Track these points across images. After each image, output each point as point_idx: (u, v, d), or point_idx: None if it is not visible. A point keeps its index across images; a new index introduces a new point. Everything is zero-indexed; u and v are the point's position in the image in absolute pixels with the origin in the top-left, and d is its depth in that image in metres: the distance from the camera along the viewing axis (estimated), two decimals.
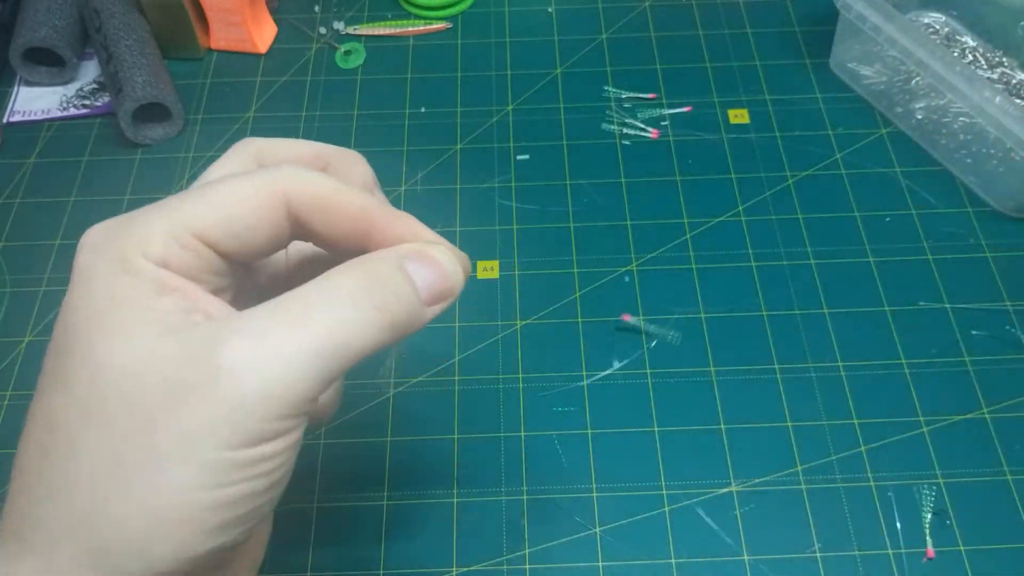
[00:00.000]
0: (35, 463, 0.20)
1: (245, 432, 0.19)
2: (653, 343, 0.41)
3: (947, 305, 0.42)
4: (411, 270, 0.22)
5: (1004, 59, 0.51)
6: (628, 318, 0.40)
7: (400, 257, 0.22)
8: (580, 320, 0.42)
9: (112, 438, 0.19)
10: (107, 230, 0.21)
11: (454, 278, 0.23)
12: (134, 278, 0.20)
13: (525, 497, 0.37)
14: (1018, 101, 0.46)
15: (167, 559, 0.19)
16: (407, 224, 0.24)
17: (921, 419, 0.39)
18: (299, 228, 0.23)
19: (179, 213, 0.21)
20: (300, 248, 0.27)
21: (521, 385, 0.40)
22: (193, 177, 0.48)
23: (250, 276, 0.26)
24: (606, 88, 0.51)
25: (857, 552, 0.35)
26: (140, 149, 0.49)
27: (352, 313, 0.20)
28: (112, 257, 0.20)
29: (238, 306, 0.22)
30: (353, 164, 0.26)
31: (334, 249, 0.24)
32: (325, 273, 0.21)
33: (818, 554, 0.35)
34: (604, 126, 0.49)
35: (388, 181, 0.47)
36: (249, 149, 0.25)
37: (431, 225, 0.48)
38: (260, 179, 0.22)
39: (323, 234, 0.23)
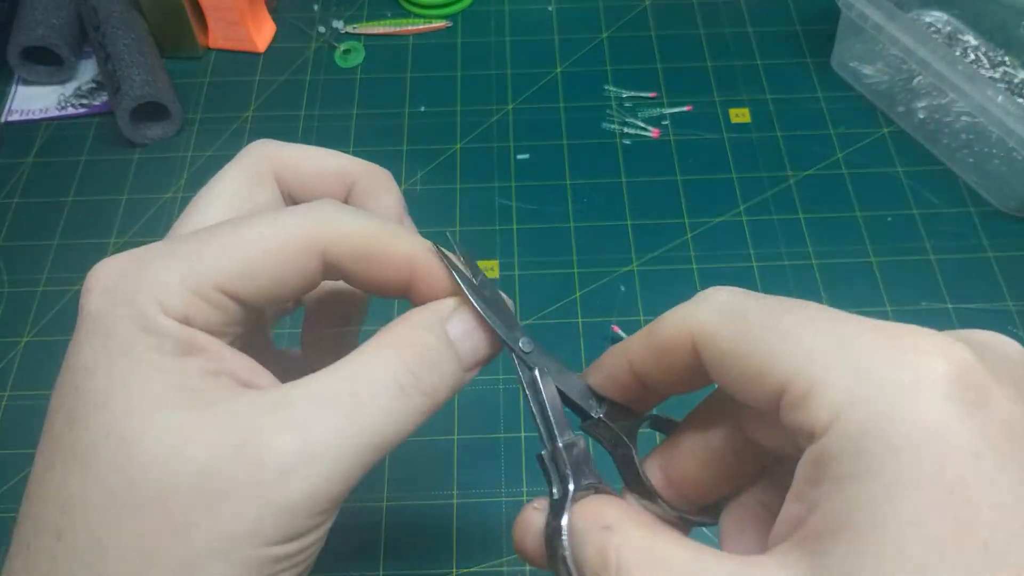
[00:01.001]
0: (46, 544, 0.17)
1: (288, 531, 0.17)
2: None
3: (949, 305, 0.42)
4: (454, 335, 0.20)
5: (1006, 58, 0.50)
6: (618, 330, 0.40)
7: (443, 322, 0.20)
8: (580, 320, 0.42)
9: (142, 534, 0.17)
10: (121, 275, 0.19)
11: (491, 343, 0.22)
12: (156, 338, 0.18)
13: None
14: (1020, 100, 0.46)
15: None
16: (441, 280, 0.21)
17: None
18: (333, 272, 0.21)
19: (202, 264, 0.19)
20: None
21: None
22: (193, 177, 0.48)
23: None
24: (606, 87, 0.51)
25: None
26: (138, 148, 0.49)
27: (400, 402, 0.19)
28: (129, 310, 0.18)
29: (249, 345, 0.21)
30: (383, 186, 0.24)
31: (368, 291, 0.22)
32: (368, 344, 0.19)
33: None
34: (604, 125, 0.49)
35: None
36: (263, 160, 0.23)
37: (430, 225, 0.48)
38: (294, 225, 0.20)
39: (361, 282, 0.21)
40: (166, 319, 0.18)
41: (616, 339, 0.41)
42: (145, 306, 0.18)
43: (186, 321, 0.19)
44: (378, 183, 0.24)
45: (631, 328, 0.41)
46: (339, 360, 0.19)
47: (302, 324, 0.25)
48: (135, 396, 0.17)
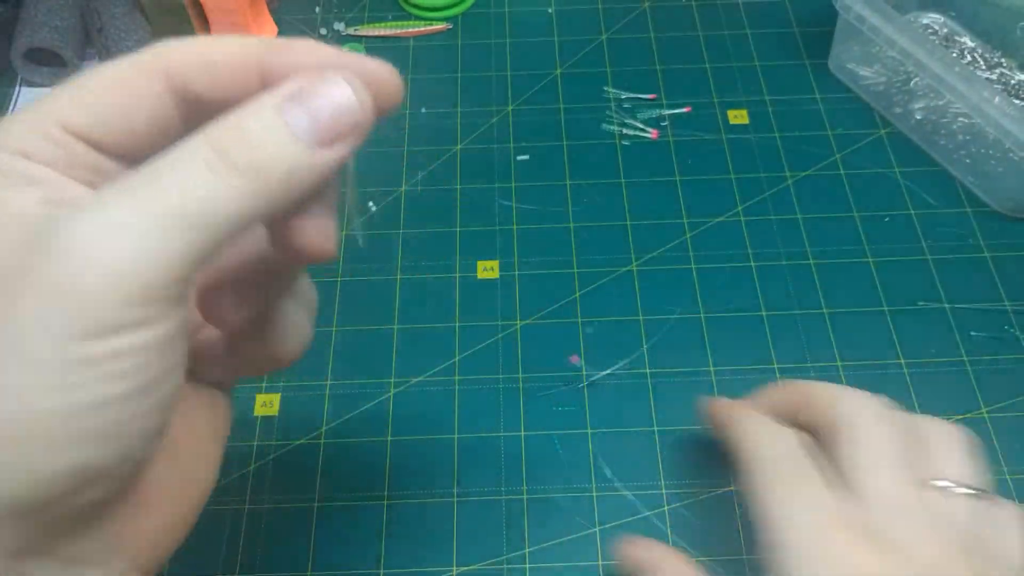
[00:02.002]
0: None
1: (89, 321, 0.15)
2: (601, 375, 0.41)
3: (946, 305, 0.42)
4: (290, 112, 0.18)
5: (1003, 59, 0.51)
6: (576, 360, 0.40)
7: (277, 98, 0.18)
8: (580, 320, 0.42)
9: None
10: None
11: (353, 106, 0.19)
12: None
13: (525, 497, 0.37)
14: (1017, 101, 0.46)
15: (16, 487, 0.16)
16: (308, 50, 0.20)
17: None
18: (189, 104, 0.20)
19: (43, 107, 0.18)
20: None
21: (521, 385, 0.40)
22: None
23: None
24: (606, 88, 0.51)
25: None
26: None
27: (207, 175, 0.17)
28: None
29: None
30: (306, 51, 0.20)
31: (231, 100, 0.20)
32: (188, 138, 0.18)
33: None
34: (604, 126, 0.50)
35: (388, 181, 0.48)
36: (151, 58, 0.20)
37: (431, 225, 0.48)
38: (134, 55, 0.19)
39: (213, 97, 0.20)
40: (3, 155, 0.18)
41: (575, 369, 0.41)
42: None
43: (25, 154, 0.18)
44: (291, 47, 0.20)
45: (633, 334, 0.42)
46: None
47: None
48: None
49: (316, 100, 0.18)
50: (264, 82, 0.19)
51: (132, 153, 0.20)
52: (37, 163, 0.18)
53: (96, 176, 0.19)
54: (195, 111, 0.20)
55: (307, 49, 0.20)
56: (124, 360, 0.16)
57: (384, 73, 0.20)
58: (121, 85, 0.19)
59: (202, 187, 0.17)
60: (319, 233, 0.22)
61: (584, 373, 0.40)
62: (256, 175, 0.17)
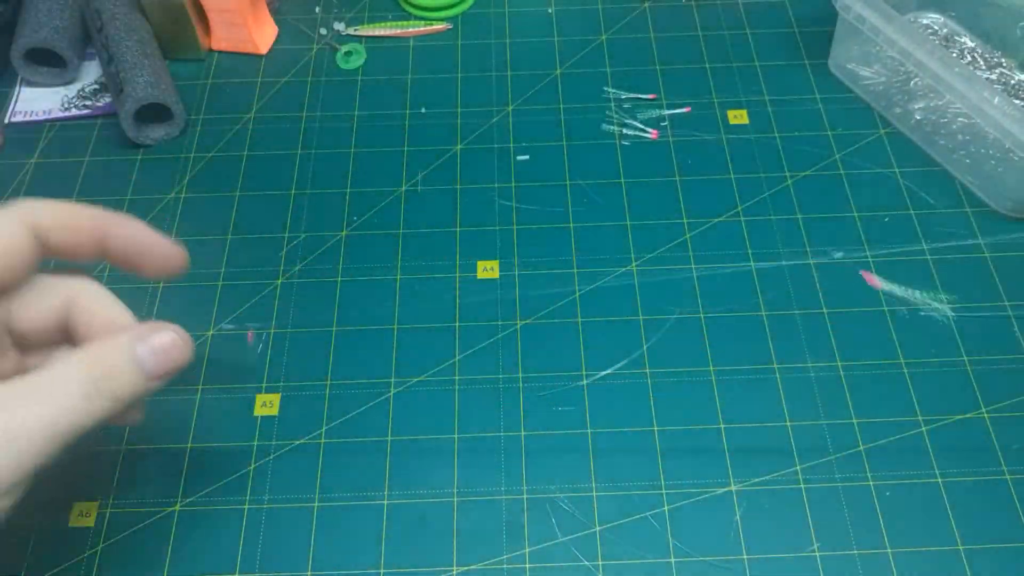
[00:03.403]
0: None
1: None
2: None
3: (946, 305, 0.42)
4: (140, 354, 0.26)
5: (1003, 59, 0.51)
6: (250, 336, 0.40)
7: (131, 343, 0.26)
8: (580, 320, 0.42)
9: None
10: None
11: (180, 358, 0.27)
12: None
13: (525, 497, 0.37)
14: (1017, 101, 0.46)
15: None
16: (133, 227, 0.29)
17: (920, 419, 0.39)
18: (44, 248, 0.27)
19: None
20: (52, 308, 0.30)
21: (521, 385, 0.40)
22: (195, 177, 0.48)
23: (7, 334, 0.29)
24: (606, 89, 0.51)
25: (856, 551, 0.35)
26: (141, 149, 0.49)
27: (82, 402, 0.24)
28: None
29: None
30: (132, 228, 0.29)
31: (78, 258, 0.28)
32: (63, 357, 0.25)
33: (817, 553, 0.35)
34: (604, 127, 0.50)
35: (388, 181, 0.48)
36: (21, 209, 0.27)
37: (431, 225, 0.48)
38: (5, 210, 0.26)
39: (66, 247, 0.27)
40: None
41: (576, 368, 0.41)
42: None
43: None
44: (127, 223, 0.29)
45: (633, 333, 0.42)
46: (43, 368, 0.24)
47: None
48: None
49: (163, 350, 0.26)
50: (100, 244, 0.28)
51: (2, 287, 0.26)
52: None
53: None
54: (44, 253, 0.27)
55: (138, 226, 0.29)
56: None
57: (165, 247, 0.29)
58: (3, 236, 0.26)
59: (75, 409, 0.24)
60: (129, 418, 0.30)
61: (584, 373, 0.40)
62: (115, 401, 0.25)
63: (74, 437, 0.24)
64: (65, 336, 0.30)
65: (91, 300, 0.28)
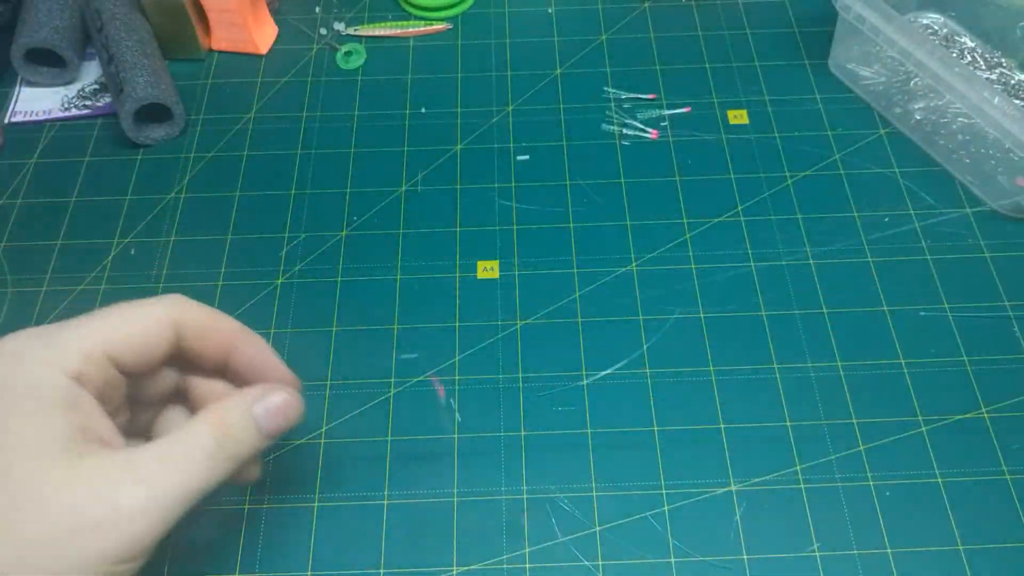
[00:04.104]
0: None
1: (129, 554, 0.24)
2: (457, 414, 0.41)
3: (946, 305, 0.42)
4: (257, 415, 0.28)
5: (1003, 59, 0.51)
6: (441, 391, 0.40)
7: (249, 405, 0.28)
8: (580, 320, 0.42)
9: (26, 550, 0.23)
10: (27, 341, 0.26)
11: (293, 417, 0.29)
12: (51, 393, 0.25)
13: (525, 497, 0.37)
14: (1016, 101, 0.46)
15: None
16: (256, 343, 0.31)
17: (920, 419, 0.39)
18: (178, 348, 0.29)
19: (94, 333, 0.26)
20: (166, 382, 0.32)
21: (521, 385, 0.40)
22: (195, 178, 0.48)
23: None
24: (606, 89, 0.51)
25: (856, 551, 0.35)
26: (141, 149, 0.49)
27: (208, 465, 0.26)
28: (32, 372, 0.25)
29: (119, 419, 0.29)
30: (259, 345, 0.31)
31: (201, 364, 0.30)
32: (190, 423, 0.27)
33: (817, 553, 0.35)
34: (604, 127, 0.50)
35: (388, 182, 0.48)
36: (172, 307, 0.29)
37: (431, 225, 0.48)
38: (159, 304, 0.28)
39: (196, 350, 0.29)
40: (63, 378, 0.25)
41: (441, 405, 0.40)
42: (47, 368, 0.25)
43: (79, 379, 0.25)
44: (256, 345, 0.31)
45: (633, 334, 0.42)
46: (170, 433, 0.27)
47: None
48: (29, 444, 0.24)
49: (276, 409, 0.29)
50: (226, 355, 0.30)
51: (136, 372, 0.28)
52: (85, 390, 0.26)
53: (112, 392, 0.27)
54: (178, 352, 0.29)
55: (263, 346, 0.31)
56: (136, 567, 0.25)
57: (299, 385, 0.32)
58: (152, 328, 0.28)
59: (204, 473, 0.26)
60: (248, 475, 0.32)
61: (584, 373, 0.40)
62: (236, 460, 0.27)
63: (200, 499, 0.26)
64: (175, 392, 0.32)
65: (196, 320, 0.29)
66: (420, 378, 0.40)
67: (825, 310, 0.42)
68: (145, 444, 0.26)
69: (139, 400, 0.31)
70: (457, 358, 0.41)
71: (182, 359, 0.30)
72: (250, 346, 0.31)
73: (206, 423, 0.27)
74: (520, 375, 0.40)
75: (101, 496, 0.24)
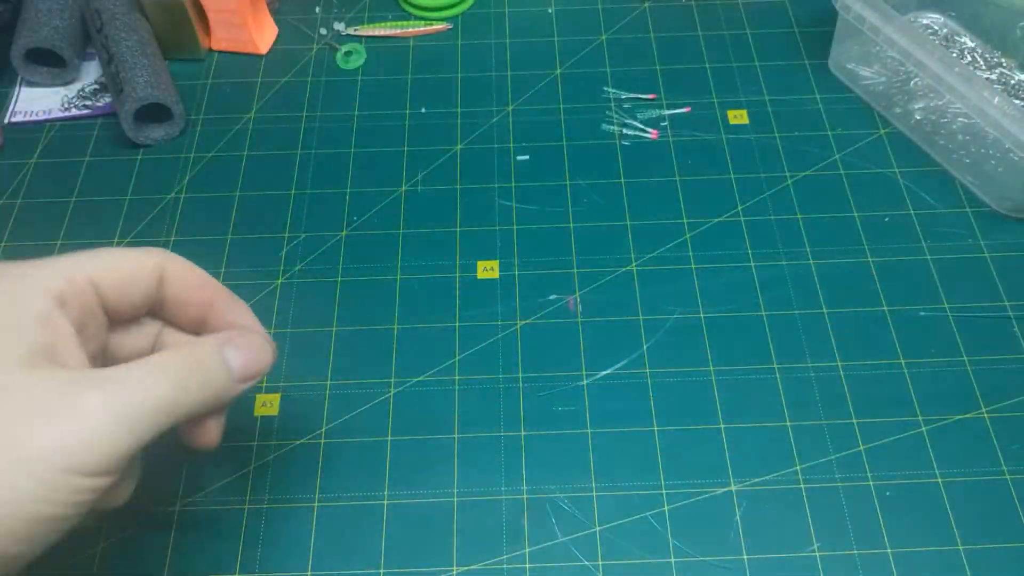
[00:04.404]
0: None
1: (87, 467, 0.23)
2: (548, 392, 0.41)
3: (946, 305, 0.42)
4: (227, 355, 0.28)
5: (1003, 59, 0.51)
6: (572, 304, 0.40)
7: (219, 343, 0.28)
8: (580, 320, 0.42)
9: None
10: (13, 262, 0.25)
11: (263, 361, 0.29)
12: (26, 307, 0.24)
13: (525, 497, 0.37)
14: (1017, 101, 0.46)
15: None
16: (237, 305, 0.31)
17: (920, 418, 0.39)
18: (160, 295, 0.29)
19: (80, 262, 0.26)
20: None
21: (521, 385, 0.40)
22: (195, 177, 0.48)
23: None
24: (606, 89, 0.51)
25: (856, 551, 0.35)
26: (141, 149, 0.49)
27: (176, 384, 0.25)
28: (12, 286, 0.24)
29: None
30: (239, 307, 0.31)
31: (180, 319, 0.30)
32: (168, 351, 0.27)
33: (817, 553, 0.35)
34: (604, 126, 0.50)
35: (388, 182, 0.48)
36: (158, 256, 0.29)
37: (431, 225, 0.48)
38: (145, 250, 0.28)
39: (179, 299, 0.29)
40: (41, 295, 0.25)
41: (572, 316, 0.41)
42: (27, 282, 0.25)
43: (60, 298, 0.25)
44: (237, 305, 0.31)
45: (633, 333, 0.42)
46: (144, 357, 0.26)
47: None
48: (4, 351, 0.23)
49: (246, 350, 0.29)
50: (205, 312, 0.30)
51: (118, 313, 0.28)
52: (63, 312, 0.25)
53: (92, 329, 0.27)
54: (159, 301, 0.29)
55: (243, 308, 0.31)
56: (98, 492, 0.23)
57: (273, 345, 0.31)
58: (137, 263, 0.28)
59: (173, 395, 0.25)
60: (208, 434, 0.30)
61: (584, 373, 0.40)
62: (206, 393, 0.27)
63: (169, 425, 0.25)
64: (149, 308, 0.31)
65: (179, 271, 0.29)
66: (420, 378, 0.41)
67: (825, 310, 0.42)
68: (119, 365, 0.25)
69: (116, 355, 0.30)
70: (457, 358, 0.41)
71: (162, 313, 0.30)
72: (230, 304, 0.30)
73: (175, 350, 0.27)
74: (520, 375, 0.40)
75: (59, 398, 0.23)
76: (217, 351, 0.28)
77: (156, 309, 0.30)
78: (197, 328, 0.31)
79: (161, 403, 0.25)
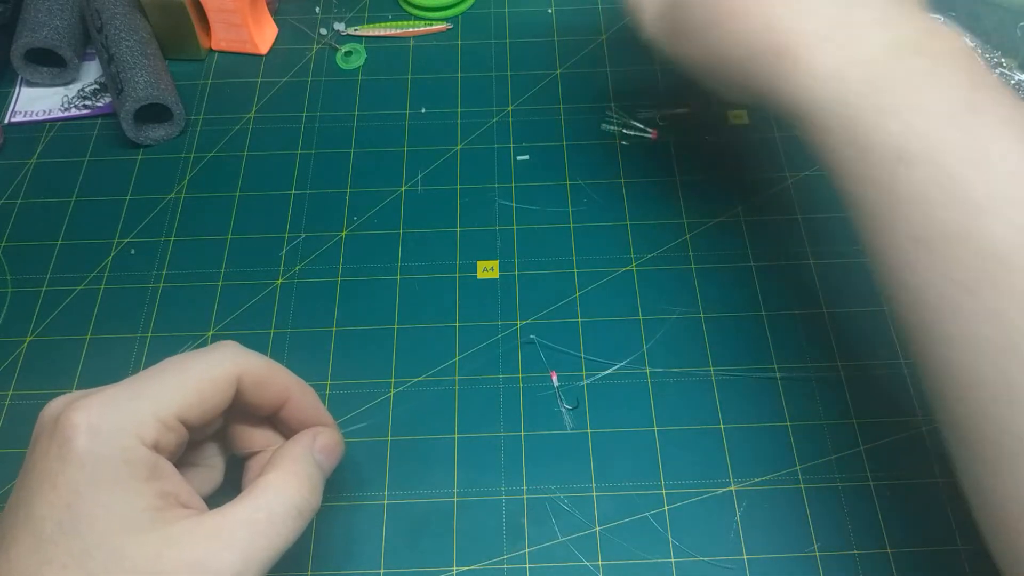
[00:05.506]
0: None
1: None
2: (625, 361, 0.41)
3: None
4: (318, 458, 0.30)
5: (1003, 60, 0.51)
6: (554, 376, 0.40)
7: (310, 448, 0.30)
8: (580, 320, 0.42)
9: None
10: (102, 414, 0.25)
11: (340, 455, 0.32)
12: (134, 467, 0.25)
13: (525, 497, 0.37)
14: None
15: None
16: (310, 398, 0.32)
17: (920, 419, 0.39)
18: (238, 398, 0.29)
19: (166, 399, 0.27)
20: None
21: (521, 385, 0.40)
22: (195, 177, 0.48)
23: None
24: (606, 88, 0.51)
25: (856, 551, 0.35)
26: (141, 149, 0.49)
27: (300, 523, 0.28)
28: (115, 445, 0.25)
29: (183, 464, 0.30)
30: (312, 399, 0.33)
31: (257, 411, 0.31)
32: (272, 476, 0.28)
33: (817, 553, 0.35)
34: (604, 126, 0.50)
35: (388, 182, 0.48)
36: (230, 362, 0.29)
37: (431, 225, 0.48)
38: (222, 360, 0.29)
39: (254, 402, 0.30)
40: (143, 448, 0.26)
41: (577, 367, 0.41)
42: (128, 440, 0.25)
43: (156, 447, 0.26)
44: (308, 396, 0.32)
45: (633, 333, 0.42)
46: (252, 487, 0.28)
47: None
48: (117, 516, 0.25)
49: (331, 449, 0.31)
50: (280, 405, 0.31)
51: (203, 427, 0.29)
52: (162, 456, 0.27)
53: (182, 449, 0.29)
54: (236, 402, 0.30)
55: (313, 397, 0.32)
56: None
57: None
58: (217, 386, 0.28)
59: (296, 530, 0.28)
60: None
61: (584, 373, 0.40)
62: (315, 509, 0.29)
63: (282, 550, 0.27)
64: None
65: (255, 375, 0.30)
66: (420, 378, 0.40)
67: (825, 310, 0.42)
68: (230, 507, 0.27)
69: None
70: (457, 358, 0.41)
71: (234, 407, 0.31)
72: (304, 398, 0.31)
73: (288, 474, 0.28)
74: (520, 375, 0.40)
75: (193, 562, 0.25)
76: (315, 465, 0.30)
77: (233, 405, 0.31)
78: (268, 415, 0.32)
79: (283, 546, 0.27)
